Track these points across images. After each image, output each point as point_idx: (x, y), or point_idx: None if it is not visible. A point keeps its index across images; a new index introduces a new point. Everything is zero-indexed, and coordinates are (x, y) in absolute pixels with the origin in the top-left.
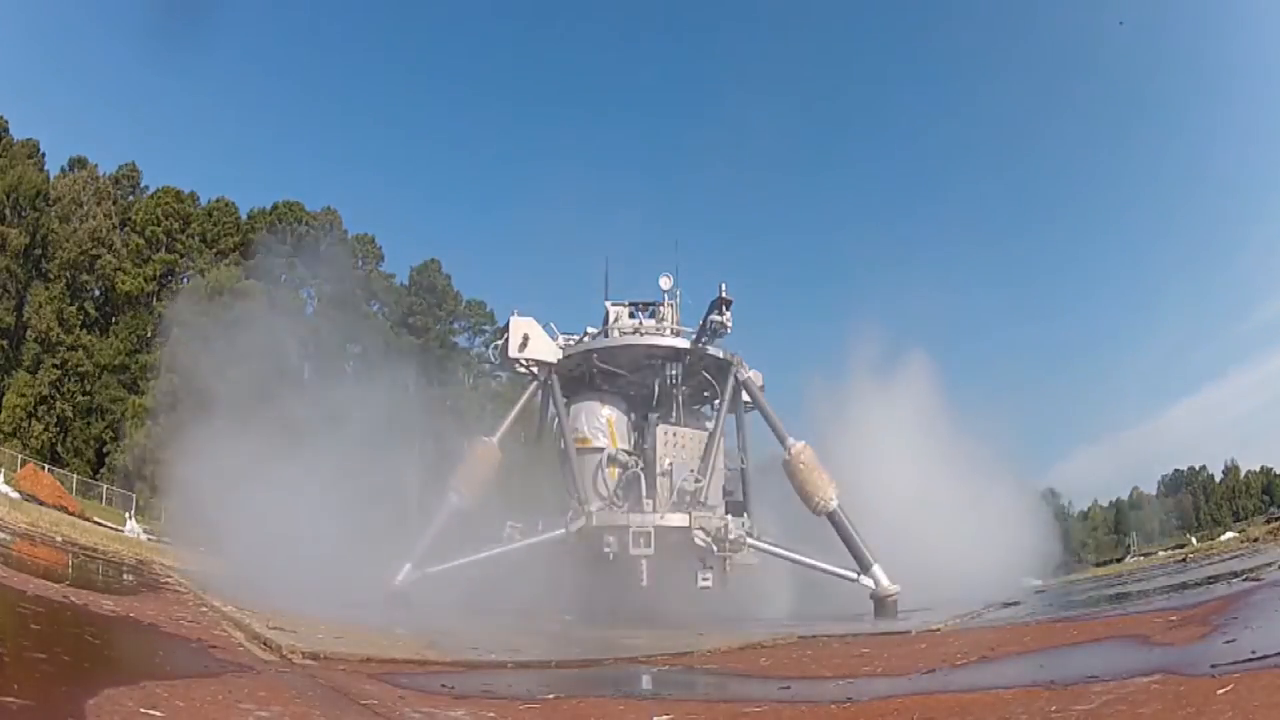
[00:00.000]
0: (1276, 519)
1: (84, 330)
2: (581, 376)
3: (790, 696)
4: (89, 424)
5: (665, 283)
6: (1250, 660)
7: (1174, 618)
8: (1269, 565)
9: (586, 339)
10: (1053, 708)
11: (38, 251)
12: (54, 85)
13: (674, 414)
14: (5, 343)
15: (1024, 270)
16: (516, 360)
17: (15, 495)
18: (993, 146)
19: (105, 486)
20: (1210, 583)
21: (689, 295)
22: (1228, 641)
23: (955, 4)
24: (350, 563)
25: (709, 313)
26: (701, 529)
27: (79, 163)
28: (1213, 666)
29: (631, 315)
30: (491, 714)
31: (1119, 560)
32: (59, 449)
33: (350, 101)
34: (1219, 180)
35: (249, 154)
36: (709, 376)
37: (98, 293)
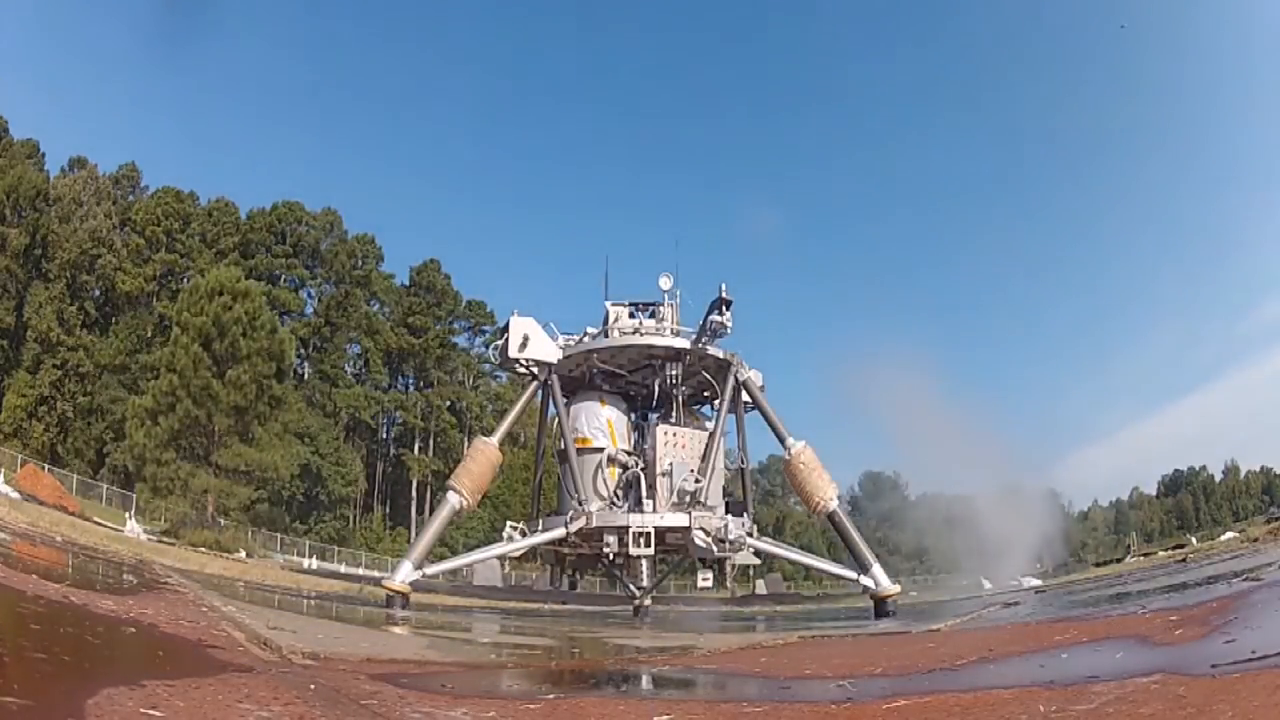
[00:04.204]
0: (1276, 519)
1: (84, 330)
2: (581, 376)
3: (790, 696)
4: (89, 424)
5: (665, 283)
6: (1250, 660)
7: (1174, 618)
8: (1269, 565)
9: (586, 339)
10: (1053, 708)
11: (38, 251)
12: (54, 85)
13: (674, 414)
14: (5, 343)
15: (1024, 271)
16: (516, 360)
17: (15, 495)
18: (991, 146)
19: (105, 486)
20: (1210, 583)
21: (689, 295)
22: (1228, 641)
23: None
24: None
25: (709, 313)
26: (701, 529)
27: (79, 163)
28: (1213, 666)
29: (631, 315)
30: (492, 714)
31: (1119, 560)
32: (59, 449)
33: (351, 101)
34: (1220, 179)
35: (249, 154)
36: (709, 376)
37: (98, 293)
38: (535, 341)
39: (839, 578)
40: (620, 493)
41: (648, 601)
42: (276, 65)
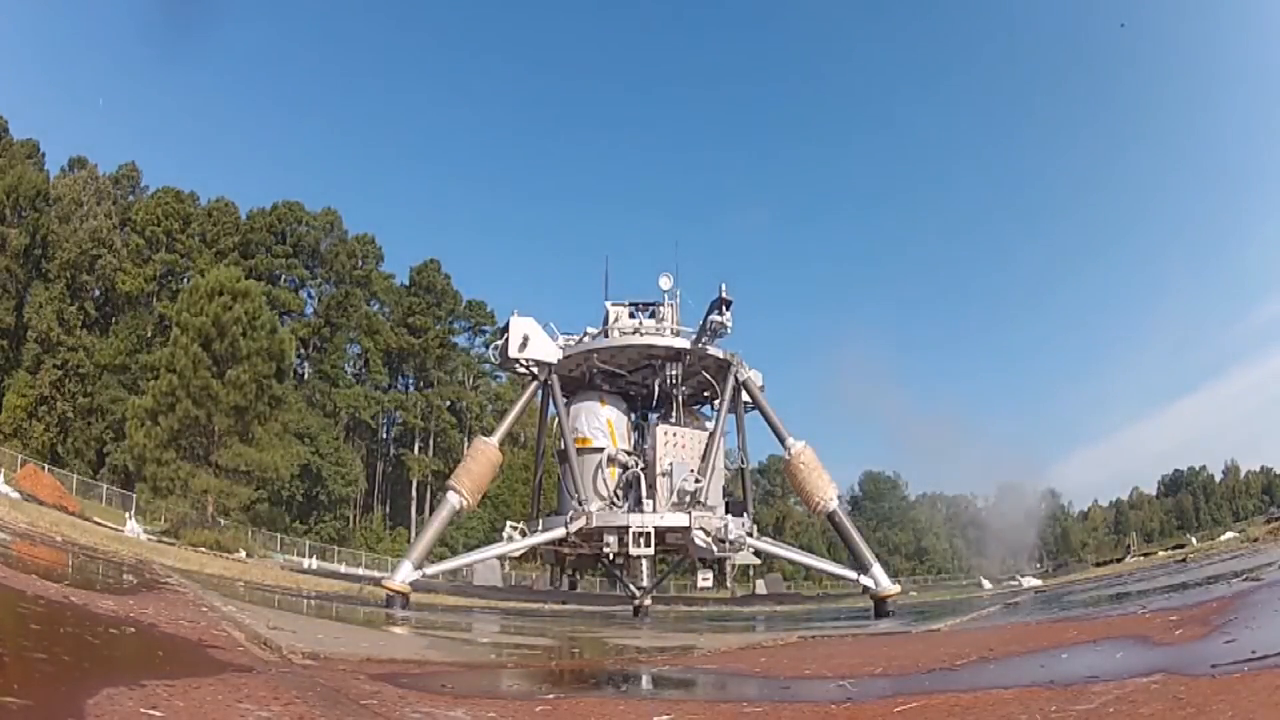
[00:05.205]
0: (1276, 519)
1: (84, 330)
2: (581, 376)
3: (790, 696)
4: (89, 424)
5: (665, 283)
6: (1250, 660)
7: (1174, 618)
8: (1269, 565)
9: (586, 339)
10: (1053, 708)
11: (38, 251)
12: (54, 86)
13: (674, 414)
14: (5, 343)
15: (1025, 272)
16: (516, 360)
17: (15, 495)
18: (993, 148)
19: (105, 486)
20: (1210, 583)
21: (689, 295)
22: (1228, 641)
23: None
24: None
25: (709, 313)
26: (701, 529)
27: (79, 163)
28: (1213, 666)
29: (631, 315)
30: (492, 714)
31: (1119, 560)
32: (59, 449)
33: (351, 101)
34: (1221, 179)
35: (249, 154)
36: (709, 376)
37: (98, 293)
38: (535, 341)
39: (839, 578)
40: (620, 493)
41: (648, 601)
42: (276, 65)
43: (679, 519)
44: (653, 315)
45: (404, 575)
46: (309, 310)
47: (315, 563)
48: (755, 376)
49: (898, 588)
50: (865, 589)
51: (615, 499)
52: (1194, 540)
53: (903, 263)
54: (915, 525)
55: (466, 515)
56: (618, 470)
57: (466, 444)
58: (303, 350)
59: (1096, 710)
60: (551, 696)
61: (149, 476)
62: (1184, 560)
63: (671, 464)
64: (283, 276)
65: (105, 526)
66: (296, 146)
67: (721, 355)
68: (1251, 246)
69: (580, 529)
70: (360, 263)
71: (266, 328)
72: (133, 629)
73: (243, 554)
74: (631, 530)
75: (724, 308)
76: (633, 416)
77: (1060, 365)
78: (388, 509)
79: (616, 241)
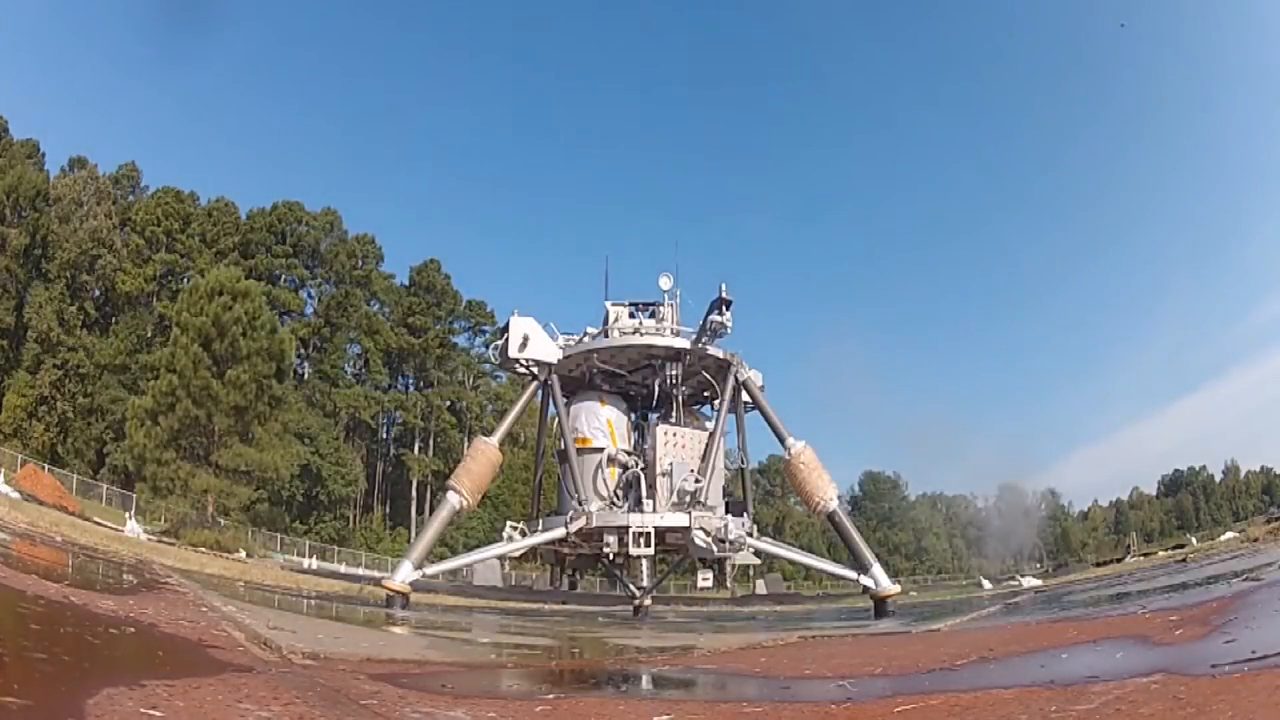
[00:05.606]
0: (1276, 519)
1: (84, 330)
2: (581, 376)
3: (790, 696)
4: (89, 424)
5: (665, 283)
6: (1250, 660)
7: (1174, 618)
8: (1269, 565)
9: (586, 339)
10: (1053, 708)
11: (38, 251)
12: (54, 86)
13: (674, 414)
14: (5, 343)
15: (1025, 271)
16: (516, 360)
17: (15, 495)
18: (993, 148)
19: (105, 486)
20: (1210, 583)
21: (689, 295)
22: (1228, 641)
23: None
24: None
25: (709, 313)
26: (701, 529)
27: (79, 163)
28: (1213, 666)
29: (631, 315)
30: (492, 714)
31: (1119, 560)
32: (59, 449)
33: (350, 102)
34: (1221, 179)
35: (249, 154)
36: (709, 376)
37: (98, 293)
38: (535, 341)
39: (839, 578)
40: (620, 493)
41: (648, 601)
42: (276, 65)
43: (679, 519)
44: (653, 315)
45: (404, 575)
46: (309, 310)
47: (315, 563)
48: (755, 376)
49: (898, 588)
50: (865, 589)
51: (615, 499)
52: (1194, 540)
53: (903, 262)
54: (915, 525)
55: (466, 515)
56: (618, 470)
57: (466, 444)
58: (303, 350)
59: (1096, 710)
60: (551, 696)
61: (149, 476)
62: (1184, 560)
63: (671, 464)
64: (283, 276)
65: (105, 526)
66: (296, 146)
67: (721, 355)
68: (1251, 246)
69: (580, 529)
70: (360, 263)
71: (266, 328)
72: (133, 629)
73: (243, 554)
74: (631, 530)
75: (724, 308)
76: (633, 416)
77: (1060, 365)
78: (388, 509)
79: (616, 241)
